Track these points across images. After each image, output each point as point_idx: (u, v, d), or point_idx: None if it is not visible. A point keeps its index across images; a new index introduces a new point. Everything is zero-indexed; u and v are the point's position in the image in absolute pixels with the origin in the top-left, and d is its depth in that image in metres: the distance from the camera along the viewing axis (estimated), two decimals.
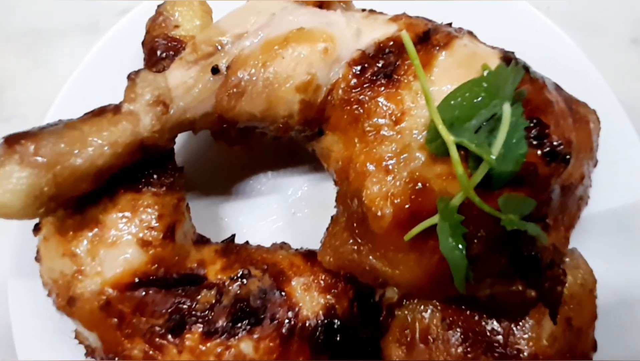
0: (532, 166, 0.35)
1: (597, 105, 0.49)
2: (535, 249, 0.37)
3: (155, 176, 0.46)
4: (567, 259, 0.48)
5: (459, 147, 0.33)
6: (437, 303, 0.44)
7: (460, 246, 0.31)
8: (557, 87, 0.43)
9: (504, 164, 0.33)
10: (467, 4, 0.55)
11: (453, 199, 0.32)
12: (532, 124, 0.35)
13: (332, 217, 0.48)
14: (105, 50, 0.62)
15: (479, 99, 0.33)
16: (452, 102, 0.33)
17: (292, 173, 0.61)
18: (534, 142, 0.35)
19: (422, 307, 0.45)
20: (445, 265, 0.36)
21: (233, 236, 0.53)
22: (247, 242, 0.52)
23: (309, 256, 0.48)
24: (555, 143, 0.36)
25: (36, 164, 0.35)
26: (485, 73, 0.33)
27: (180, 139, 0.64)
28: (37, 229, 0.47)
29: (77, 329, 0.48)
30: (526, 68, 0.39)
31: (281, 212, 0.60)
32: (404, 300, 0.46)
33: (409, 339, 0.45)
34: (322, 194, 0.61)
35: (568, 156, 0.38)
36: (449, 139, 0.31)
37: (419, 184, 0.36)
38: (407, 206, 0.36)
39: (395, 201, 0.36)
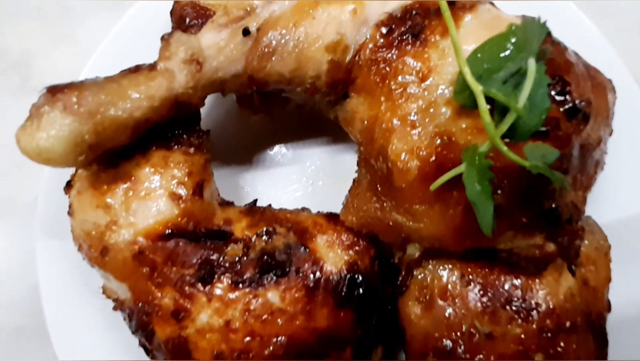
0: (554, 121, 0.36)
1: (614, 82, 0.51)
2: (556, 204, 0.39)
3: (185, 136, 0.48)
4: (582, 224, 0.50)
5: (486, 100, 0.35)
6: (456, 262, 0.46)
7: (487, 190, 0.32)
8: (576, 54, 0.45)
9: (528, 118, 0.35)
10: None
11: (480, 147, 0.34)
12: (554, 82, 0.37)
13: (353, 180, 0.50)
14: (130, 24, 0.64)
15: (506, 52, 0.34)
16: (480, 55, 0.34)
17: (311, 145, 0.63)
18: (557, 99, 0.37)
19: (441, 267, 0.46)
20: (468, 215, 0.37)
21: (255, 200, 0.55)
22: (269, 205, 0.53)
23: (331, 217, 0.49)
24: (576, 101, 0.38)
25: (78, 112, 0.37)
26: (512, 28, 0.35)
27: (204, 110, 0.66)
28: (68, 186, 0.49)
29: (104, 285, 0.49)
30: (548, 32, 0.41)
31: (300, 182, 0.61)
32: (423, 261, 0.48)
33: (427, 297, 0.46)
34: (341, 165, 0.63)
35: (588, 115, 0.39)
36: (477, 89, 0.33)
37: (445, 137, 0.37)
38: (432, 159, 0.37)
39: (421, 154, 0.38)
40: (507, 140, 0.36)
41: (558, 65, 0.38)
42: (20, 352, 0.64)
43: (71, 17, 0.69)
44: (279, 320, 0.41)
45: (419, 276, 0.48)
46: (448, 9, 0.34)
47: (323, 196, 0.61)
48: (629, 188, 0.57)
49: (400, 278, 0.50)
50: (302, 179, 0.61)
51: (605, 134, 0.47)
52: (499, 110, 0.36)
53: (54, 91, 0.38)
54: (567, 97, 0.37)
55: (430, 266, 0.47)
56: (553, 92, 0.37)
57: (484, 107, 0.33)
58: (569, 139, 0.38)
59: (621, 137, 0.55)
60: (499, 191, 0.37)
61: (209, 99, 0.64)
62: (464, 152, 0.34)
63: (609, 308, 0.48)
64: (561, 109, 0.37)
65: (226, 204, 0.52)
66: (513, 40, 0.34)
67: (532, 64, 0.34)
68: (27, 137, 0.36)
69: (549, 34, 0.40)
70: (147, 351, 0.48)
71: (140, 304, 0.43)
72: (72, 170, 0.50)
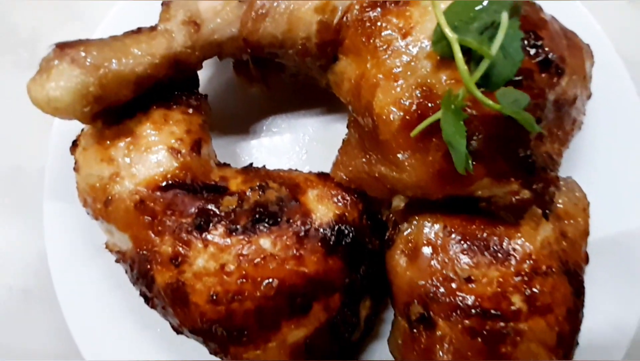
0: (528, 72, 0.39)
1: (597, 56, 0.53)
2: (531, 152, 0.41)
3: (184, 98, 0.51)
4: (562, 183, 0.52)
5: (463, 51, 0.37)
6: (440, 216, 0.48)
7: (460, 130, 0.35)
8: (553, 17, 0.47)
9: (502, 67, 0.37)
10: None
11: (456, 93, 0.36)
12: (528, 36, 0.39)
13: (343, 140, 0.52)
14: (132, 3, 0.67)
15: (480, 6, 0.37)
16: (456, 8, 0.37)
17: (305, 115, 0.66)
18: (530, 52, 0.39)
19: (425, 221, 0.49)
20: (447, 161, 0.40)
21: (251, 163, 0.57)
22: (264, 166, 0.56)
23: (322, 175, 0.52)
24: (549, 54, 0.40)
25: (85, 65, 0.39)
26: None
27: (205, 82, 0.69)
28: (74, 145, 0.52)
29: (107, 241, 0.52)
30: None
31: (294, 150, 0.64)
32: (408, 216, 0.50)
33: (412, 249, 0.49)
34: (333, 135, 0.66)
35: (562, 70, 0.42)
36: (453, 37, 0.35)
37: (426, 89, 0.40)
38: (414, 108, 0.40)
39: (403, 105, 0.40)
40: (482, 90, 0.39)
41: (532, 21, 0.41)
42: (27, 314, 0.67)
43: None
44: (270, 264, 0.44)
45: (405, 232, 0.50)
46: None
47: (316, 164, 0.63)
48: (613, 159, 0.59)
49: (387, 234, 0.53)
50: (296, 147, 0.64)
51: (582, 95, 0.49)
52: (475, 61, 0.38)
53: (63, 46, 0.41)
54: (540, 50, 0.39)
55: (415, 221, 0.50)
56: (527, 45, 0.39)
57: (458, 54, 0.35)
58: (543, 91, 0.40)
59: (601, 104, 0.59)
60: (476, 137, 0.39)
61: (209, 72, 0.69)
62: (443, 98, 0.37)
63: (586, 260, 0.50)
64: (534, 61, 0.39)
65: (223, 165, 0.55)
66: None
67: (505, 16, 0.36)
68: (37, 87, 0.39)
69: None
70: (147, 300, 0.51)
71: (140, 252, 0.46)
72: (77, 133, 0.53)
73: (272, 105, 0.65)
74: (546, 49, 0.40)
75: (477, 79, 0.36)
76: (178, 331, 0.50)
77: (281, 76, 0.57)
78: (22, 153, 0.70)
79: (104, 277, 0.58)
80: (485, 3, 0.36)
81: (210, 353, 0.51)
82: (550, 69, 0.40)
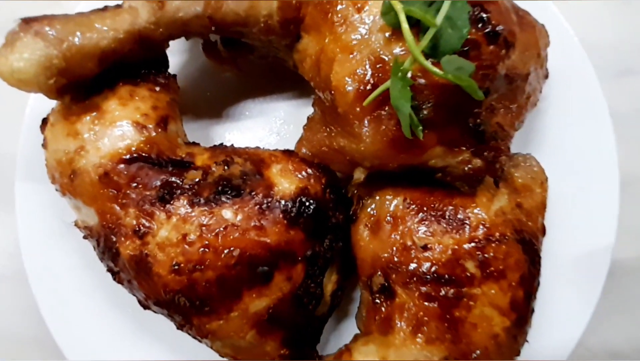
0: (475, 43, 0.40)
1: (557, 39, 0.55)
2: (481, 121, 0.43)
3: (151, 76, 0.52)
4: (521, 159, 0.54)
5: (412, 22, 0.39)
6: (400, 190, 0.49)
7: (406, 95, 0.36)
8: None
9: (449, 37, 0.39)
10: None
11: (405, 62, 0.37)
12: (475, 9, 0.41)
13: (308, 118, 0.53)
14: None
15: None
16: None
17: (276, 100, 0.67)
18: (478, 24, 0.41)
19: (386, 195, 0.50)
20: (398, 129, 0.41)
21: (221, 143, 0.58)
22: (232, 145, 0.57)
23: (287, 151, 0.53)
24: (497, 27, 0.42)
25: (49, 38, 0.41)
26: None
27: (176, 67, 0.70)
28: (44, 123, 0.52)
29: (76, 219, 0.53)
30: None
31: (265, 133, 0.66)
32: (372, 192, 0.51)
33: (375, 222, 0.50)
34: (303, 118, 0.66)
35: (510, 43, 0.43)
36: (399, 7, 0.37)
37: (379, 60, 0.41)
38: (367, 79, 0.41)
39: (358, 77, 0.42)
40: (431, 60, 0.40)
41: None
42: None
43: None
44: (231, 234, 0.44)
45: (368, 208, 0.52)
46: None
47: (287, 146, 0.63)
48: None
49: (352, 209, 0.54)
50: (268, 130, 0.65)
51: (537, 72, 0.51)
52: (423, 32, 0.40)
53: (28, 20, 0.42)
54: (487, 22, 0.41)
55: (377, 196, 0.51)
56: (474, 18, 0.41)
57: (404, 23, 0.37)
58: (491, 63, 0.42)
59: (560, 85, 0.60)
60: (427, 105, 0.41)
61: (182, 56, 0.70)
62: (392, 66, 0.38)
63: (543, 232, 0.51)
64: (481, 33, 0.41)
65: (192, 144, 0.56)
66: None
67: None
68: (2, 59, 0.40)
69: None
70: (114, 276, 0.51)
71: (106, 225, 0.47)
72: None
73: (245, 89, 0.66)
74: (493, 22, 0.41)
75: (423, 47, 0.38)
76: (145, 306, 0.51)
77: (250, 57, 0.59)
78: None
79: (74, 256, 0.58)
80: None
81: (177, 327, 0.52)
82: (499, 42, 0.42)
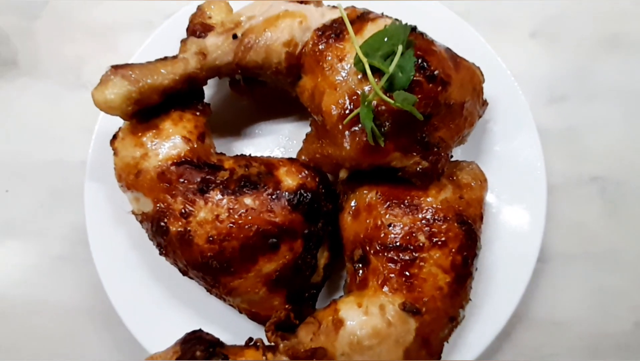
0: (418, 83, 0.59)
1: (494, 76, 0.73)
2: (426, 134, 0.60)
3: (193, 104, 0.71)
4: (466, 164, 0.71)
5: (373, 70, 0.57)
6: (375, 186, 0.66)
7: (369, 116, 0.54)
8: (448, 49, 0.68)
9: (400, 79, 0.57)
10: (389, 4, 0.76)
11: (369, 94, 0.56)
12: (419, 59, 0.59)
13: (306, 134, 0.71)
14: (156, 41, 0.89)
15: (384, 40, 0.57)
16: (369, 42, 0.58)
17: (283, 122, 0.86)
18: (420, 70, 0.59)
19: (365, 190, 0.67)
20: (367, 140, 0.59)
21: (242, 154, 0.76)
22: (249, 154, 0.75)
23: (291, 158, 0.71)
24: (434, 72, 0.60)
25: (130, 79, 0.60)
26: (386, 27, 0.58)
27: (209, 96, 0.89)
28: (114, 138, 0.71)
29: (132, 209, 0.70)
30: (421, 33, 0.64)
31: (275, 147, 0.84)
32: (354, 187, 0.68)
33: (355, 210, 0.67)
34: (304, 135, 0.85)
35: (446, 82, 0.62)
36: (365, 59, 0.56)
37: (354, 93, 0.60)
38: (346, 106, 0.60)
39: (340, 104, 0.60)
40: (388, 94, 0.58)
41: (424, 50, 0.61)
42: (64, 276, 0.82)
43: (114, 33, 0.95)
44: (251, 215, 0.62)
45: (352, 201, 0.69)
46: (348, 20, 0.58)
47: (290, 155, 0.81)
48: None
49: (339, 201, 0.71)
50: (276, 145, 0.84)
51: (473, 101, 0.69)
52: (382, 75, 0.59)
53: (116, 67, 0.62)
54: (427, 68, 0.59)
55: (357, 191, 0.68)
56: (418, 66, 0.59)
57: (368, 70, 0.56)
58: (431, 95, 0.60)
59: (498, 110, 0.78)
60: (386, 124, 0.59)
61: (212, 89, 0.89)
62: (361, 98, 0.56)
63: (481, 218, 0.67)
64: (422, 76, 0.59)
65: (220, 154, 0.74)
66: (387, 33, 0.57)
67: (400, 47, 0.57)
68: (99, 93, 0.60)
69: (422, 34, 0.64)
70: (161, 250, 0.68)
71: (159, 209, 0.64)
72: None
73: (259, 113, 0.86)
74: (432, 67, 0.60)
75: (382, 85, 0.56)
76: (184, 272, 0.67)
77: (264, 89, 0.78)
78: (65, 149, 0.90)
79: (130, 241, 0.75)
80: (385, 39, 0.57)
81: (207, 289, 0.68)
82: (437, 81, 0.60)
